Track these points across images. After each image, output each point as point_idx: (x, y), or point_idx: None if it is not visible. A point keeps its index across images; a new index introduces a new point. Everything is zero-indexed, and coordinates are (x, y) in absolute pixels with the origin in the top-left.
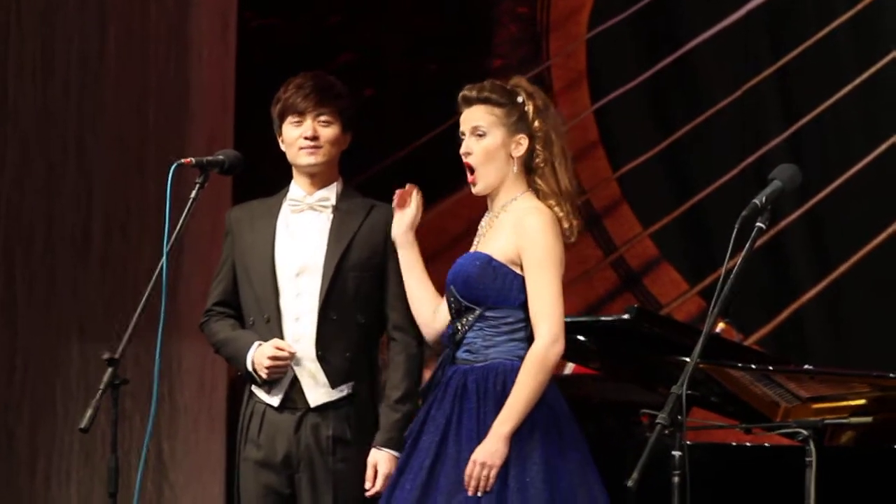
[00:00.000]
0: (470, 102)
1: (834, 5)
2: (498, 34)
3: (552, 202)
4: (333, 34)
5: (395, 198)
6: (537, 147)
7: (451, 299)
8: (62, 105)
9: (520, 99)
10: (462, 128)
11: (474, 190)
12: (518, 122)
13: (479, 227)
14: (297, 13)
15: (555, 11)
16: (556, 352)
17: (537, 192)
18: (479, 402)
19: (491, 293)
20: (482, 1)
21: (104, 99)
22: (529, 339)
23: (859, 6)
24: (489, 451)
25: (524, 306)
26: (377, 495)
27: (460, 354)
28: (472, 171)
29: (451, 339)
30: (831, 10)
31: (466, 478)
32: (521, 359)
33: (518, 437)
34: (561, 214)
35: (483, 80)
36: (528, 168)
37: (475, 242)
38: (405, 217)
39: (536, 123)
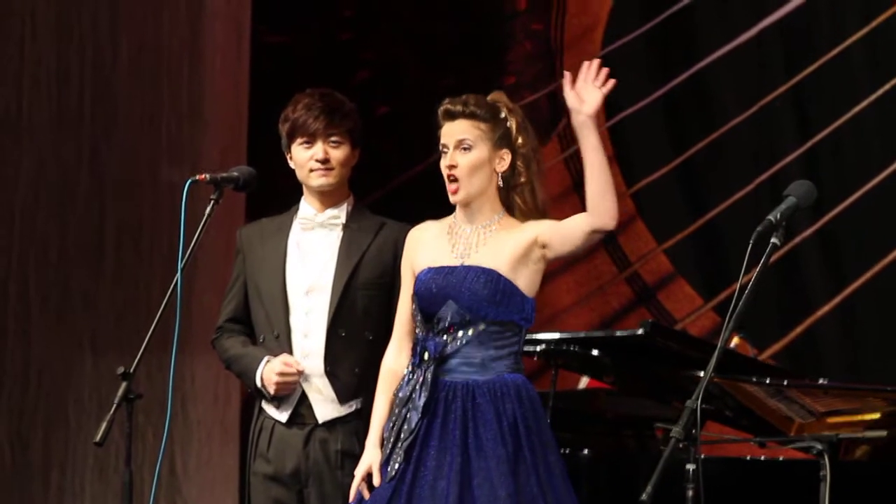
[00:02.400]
0: (454, 116)
1: (848, 22)
2: (512, 51)
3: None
4: (347, 50)
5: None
6: (519, 164)
7: (448, 313)
8: (76, 116)
9: (503, 115)
10: (444, 141)
11: (455, 198)
12: (502, 138)
13: (442, 237)
14: (311, 27)
15: (569, 29)
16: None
17: (513, 209)
18: (497, 413)
19: (498, 308)
20: (497, 18)
21: (118, 110)
22: (519, 353)
23: (874, 23)
24: None
25: (520, 322)
26: None
27: (455, 367)
28: (455, 180)
29: (439, 351)
30: (845, 26)
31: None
32: (521, 371)
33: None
34: None
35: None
36: (507, 184)
37: (452, 254)
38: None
39: (520, 140)
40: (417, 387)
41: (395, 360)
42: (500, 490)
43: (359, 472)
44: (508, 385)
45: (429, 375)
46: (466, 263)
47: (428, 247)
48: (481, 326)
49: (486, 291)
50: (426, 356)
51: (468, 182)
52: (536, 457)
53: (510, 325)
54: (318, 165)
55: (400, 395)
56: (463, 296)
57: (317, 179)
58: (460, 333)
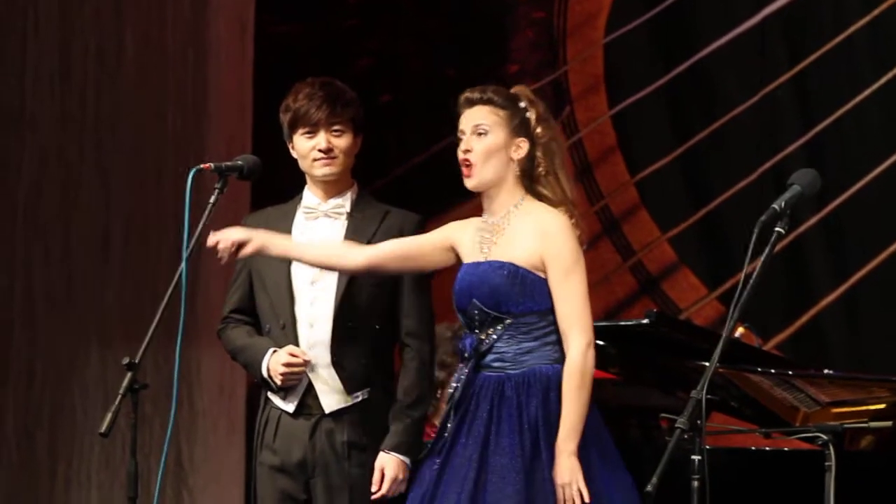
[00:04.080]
0: (472, 103)
1: (851, 9)
2: (515, 39)
3: (562, 210)
4: (351, 39)
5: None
6: (538, 155)
7: (475, 311)
8: (80, 110)
9: (522, 104)
10: (462, 126)
11: (469, 183)
12: (520, 126)
13: (477, 233)
14: (314, 17)
15: (572, 16)
16: (591, 357)
17: (542, 200)
18: (519, 407)
19: (521, 301)
20: (499, 6)
21: (122, 103)
22: (560, 342)
23: (876, 11)
24: (567, 469)
25: (552, 310)
26: (383, 499)
27: (490, 363)
28: (469, 166)
29: (474, 349)
30: (848, 14)
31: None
32: (558, 362)
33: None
34: (573, 221)
35: (500, 84)
36: (528, 175)
37: (480, 249)
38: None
39: (539, 130)
40: (459, 384)
41: (355, 247)
42: (507, 487)
43: (230, 235)
44: (538, 378)
45: (466, 372)
46: (489, 258)
47: (465, 241)
48: (508, 321)
49: (505, 286)
50: (465, 353)
51: (482, 168)
52: (554, 455)
53: (543, 315)
54: (321, 155)
55: (450, 391)
56: (484, 293)
57: (320, 169)
58: (490, 330)
